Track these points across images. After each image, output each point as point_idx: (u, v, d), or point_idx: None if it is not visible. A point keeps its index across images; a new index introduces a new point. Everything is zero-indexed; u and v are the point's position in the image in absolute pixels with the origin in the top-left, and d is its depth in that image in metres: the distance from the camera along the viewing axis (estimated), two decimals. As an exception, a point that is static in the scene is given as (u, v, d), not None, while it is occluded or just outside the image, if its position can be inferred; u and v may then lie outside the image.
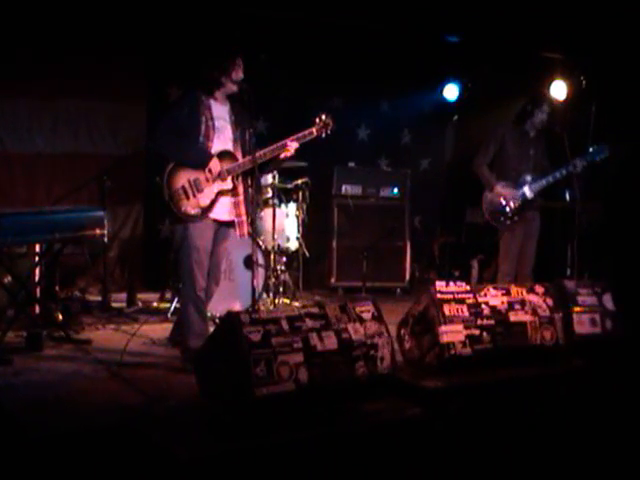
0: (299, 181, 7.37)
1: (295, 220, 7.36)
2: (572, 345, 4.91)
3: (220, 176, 4.87)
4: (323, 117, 5.05)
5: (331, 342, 3.84)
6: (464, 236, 9.23)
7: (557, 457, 3.79)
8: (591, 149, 6.13)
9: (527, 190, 6.19)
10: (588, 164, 6.06)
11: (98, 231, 5.53)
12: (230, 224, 5.00)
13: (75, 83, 7.65)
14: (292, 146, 4.97)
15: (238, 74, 4.92)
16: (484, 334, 4.54)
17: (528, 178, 6.20)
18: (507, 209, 6.20)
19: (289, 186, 7.36)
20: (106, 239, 6.44)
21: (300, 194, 7.44)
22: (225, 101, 5.02)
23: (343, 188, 8.68)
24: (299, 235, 7.41)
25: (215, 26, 7.42)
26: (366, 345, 3.96)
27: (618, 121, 7.49)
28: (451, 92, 9.59)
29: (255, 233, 5.64)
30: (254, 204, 5.15)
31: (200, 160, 4.84)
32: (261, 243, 6.76)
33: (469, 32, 8.18)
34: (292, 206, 7.38)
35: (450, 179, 10.16)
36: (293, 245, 7.36)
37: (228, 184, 4.93)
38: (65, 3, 7.12)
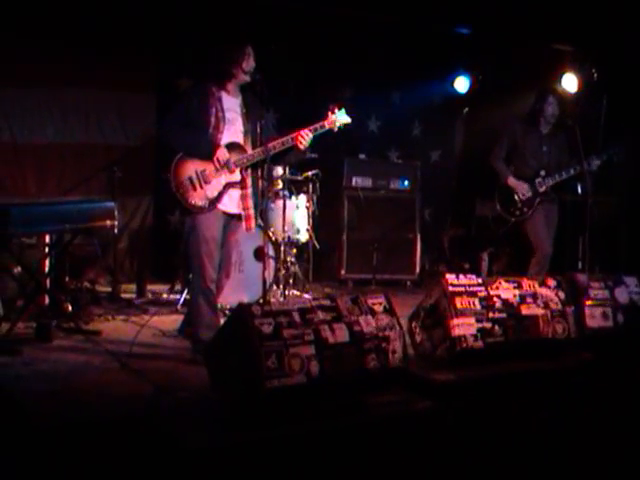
0: (309, 173, 7.37)
1: (305, 212, 7.34)
2: (584, 339, 4.88)
3: (228, 167, 4.83)
4: (337, 111, 4.92)
5: (342, 334, 3.79)
6: (474, 229, 9.21)
7: (567, 450, 3.77)
8: (609, 148, 6.13)
9: (539, 184, 6.23)
10: (603, 163, 6.07)
11: (108, 222, 5.54)
12: (240, 217, 4.94)
13: (85, 74, 7.62)
14: (306, 137, 4.84)
15: (249, 63, 4.84)
16: (496, 327, 4.51)
17: (542, 173, 6.24)
18: (517, 200, 6.25)
19: (299, 178, 7.36)
20: (116, 230, 6.46)
21: (310, 186, 7.44)
22: (237, 93, 4.96)
23: (353, 180, 8.66)
24: (309, 227, 7.39)
25: (225, 15, 7.39)
26: (378, 338, 3.91)
27: (630, 113, 7.45)
28: (461, 84, 9.53)
29: (265, 225, 5.63)
30: (265, 195, 5.09)
31: (206, 150, 4.79)
32: (271, 235, 6.74)
33: (480, 24, 8.15)
34: (302, 198, 7.36)
35: (460, 171, 10.11)
36: (303, 237, 7.34)
37: (236, 176, 4.88)
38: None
